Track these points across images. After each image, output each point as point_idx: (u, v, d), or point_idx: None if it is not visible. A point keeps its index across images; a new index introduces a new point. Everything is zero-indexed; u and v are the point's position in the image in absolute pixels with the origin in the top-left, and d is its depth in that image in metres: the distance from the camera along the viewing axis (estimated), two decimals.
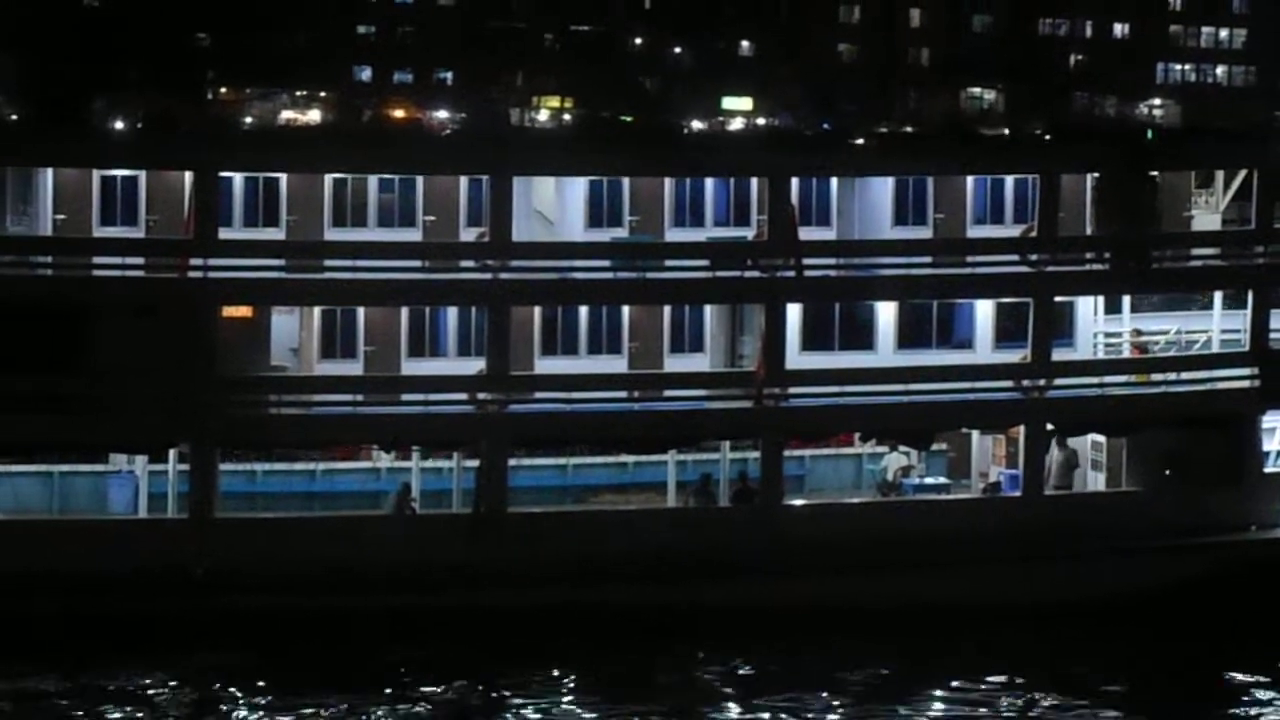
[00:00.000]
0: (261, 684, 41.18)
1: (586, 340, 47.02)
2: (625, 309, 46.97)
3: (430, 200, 47.09)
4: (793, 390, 46.25)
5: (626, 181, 47.65)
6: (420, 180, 46.90)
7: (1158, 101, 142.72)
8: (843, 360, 46.96)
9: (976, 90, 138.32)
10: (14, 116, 60.42)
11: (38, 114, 55.58)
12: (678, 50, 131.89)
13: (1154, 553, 46.89)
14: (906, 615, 44.88)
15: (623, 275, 46.19)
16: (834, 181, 48.53)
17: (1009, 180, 48.62)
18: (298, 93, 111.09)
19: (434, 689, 41.49)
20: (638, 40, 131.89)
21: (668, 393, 46.50)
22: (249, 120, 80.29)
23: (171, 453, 44.58)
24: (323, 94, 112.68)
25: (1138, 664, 44.33)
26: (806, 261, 46.18)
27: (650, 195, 47.85)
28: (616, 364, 46.86)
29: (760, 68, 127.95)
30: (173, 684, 41.22)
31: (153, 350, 43.51)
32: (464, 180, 46.93)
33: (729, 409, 46.27)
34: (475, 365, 45.52)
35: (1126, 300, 49.67)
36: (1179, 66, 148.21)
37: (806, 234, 46.99)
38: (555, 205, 48.13)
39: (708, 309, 47.50)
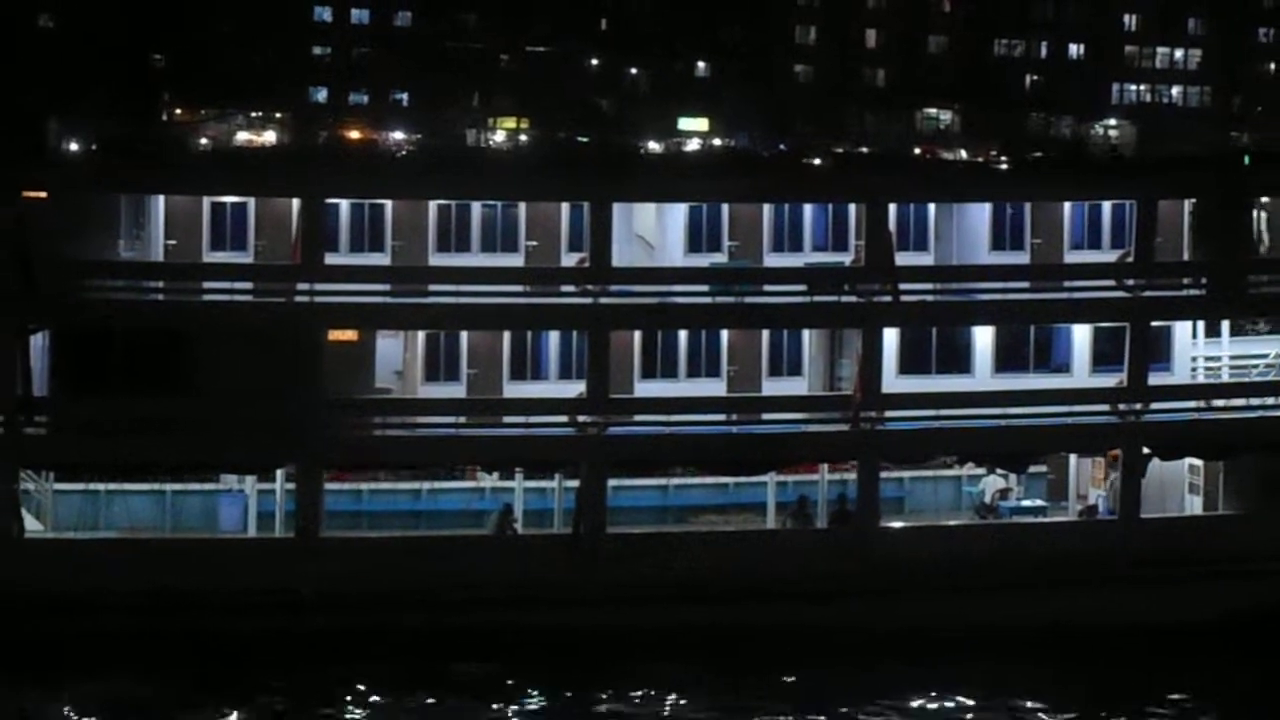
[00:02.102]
0: (364, 701, 41.77)
1: (685, 364, 47.55)
2: (724, 333, 47.49)
3: (532, 226, 47.73)
4: (889, 413, 46.69)
5: (726, 207, 48.21)
6: (523, 206, 47.54)
7: (1113, 122, 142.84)
8: (940, 384, 47.41)
9: (932, 111, 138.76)
10: None
11: None
12: (634, 71, 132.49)
13: (1251, 576, 47.12)
14: (1000, 637, 45.18)
15: (721, 300, 46.73)
16: (932, 207, 49.03)
17: (1106, 206, 49.04)
18: (253, 114, 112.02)
19: (532, 707, 42.03)
20: (594, 61, 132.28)
21: (765, 415, 47.04)
22: (204, 141, 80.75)
23: (279, 473, 45.29)
24: (278, 115, 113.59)
25: (1235, 688, 44.39)
26: (905, 286, 46.66)
27: (749, 220, 48.37)
28: (715, 387, 47.39)
29: (716, 89, 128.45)
30: (276, 701, 41.80)
31: (260, 373, 44.20)
32: (565, 206, 47.55)
33: (826, 432, 46.74)
34: (576, 388, 46.10)
35: (1226, 324, 50.00)
36: (1134, 87, 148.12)
37: (905, 259, 47.51)
38: (656, 230, 48.71)
39: (807, 333, 47.99)
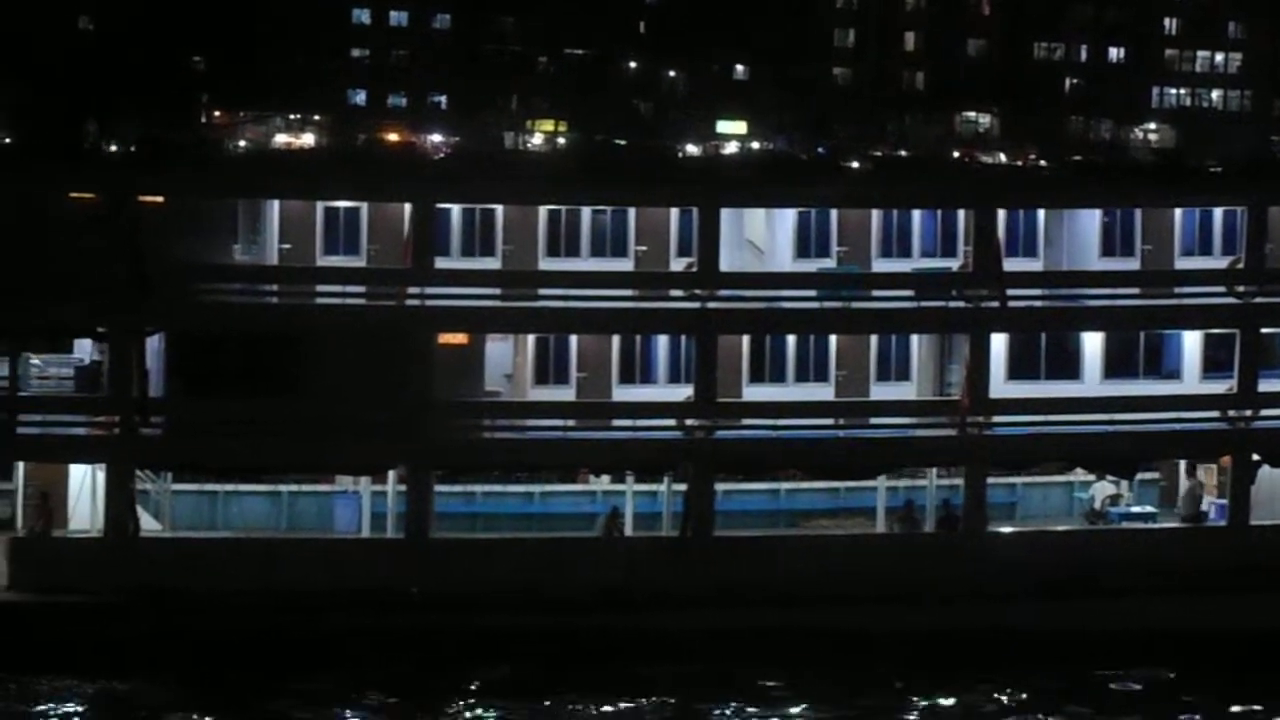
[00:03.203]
0: (471, 700, 42.08)
1: (794, 368, 47.69)
2: (832, 338, 47.61)
3: (642, 231, 47.96)
4: (998, 418, 46.70)
5: (835, 213, 48.36)
6: (632, 211, 47.78)
7: (1153, 126, 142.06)
8: (1049, 389, 47.43)
9: (971, 114, 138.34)
10: (7, 140, 60.87)
11: (31, 139, 55.79)
12: (672, 74, 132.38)
13: None
14: (1108, 643, 45.21)
15: (829, 304, 46.86)
16: (1041, 212, 49.03)
17: (1217, 212, 48.89)
18: (291, 116, 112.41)
19: (639, 708, 42.22)
20: (632, 64, 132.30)
21: (873, 420, 47.14)
22: (243, 143, 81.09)
23: (391, 474, 45.61)
24: (316, 117, 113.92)
25: None
26: (1014, 292, 46.69)
27: (858, 226, 48.50)
28: (823, 392, 47.52)
29: (754, 92, 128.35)
30: (381, 702, 42.19)
31: (371, 375, 44.62)
32: (674, 211, 47.78)
33: (933, 436, 46.79)
34: (685, 392, 46.31)
35: None
36: (1175, 91, 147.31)
37: (1014, 265, 47.50)
38: (766, 235, 48.88)
39: (915, 338, 48.08)
